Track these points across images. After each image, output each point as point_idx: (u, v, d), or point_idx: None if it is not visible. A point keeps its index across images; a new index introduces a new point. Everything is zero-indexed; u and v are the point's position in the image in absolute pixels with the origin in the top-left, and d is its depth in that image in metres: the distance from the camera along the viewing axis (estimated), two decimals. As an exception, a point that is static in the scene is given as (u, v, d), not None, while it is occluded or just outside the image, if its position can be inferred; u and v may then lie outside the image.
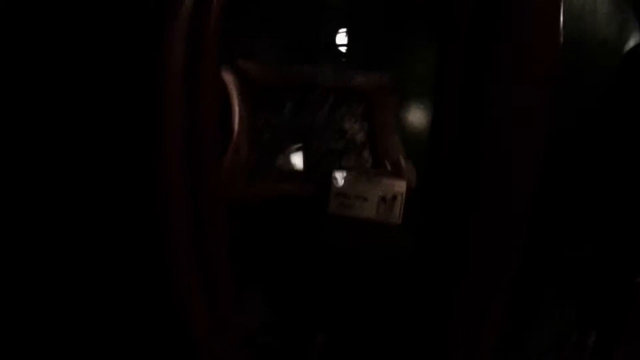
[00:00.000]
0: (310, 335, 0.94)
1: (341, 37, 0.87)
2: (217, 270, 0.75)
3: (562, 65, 0.64)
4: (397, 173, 0.81)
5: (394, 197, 0.78)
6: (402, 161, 0.84)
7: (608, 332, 0.78)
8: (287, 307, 0.96)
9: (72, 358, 0.75)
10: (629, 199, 0.78)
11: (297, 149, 0.85)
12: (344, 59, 0.88)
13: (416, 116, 0.87)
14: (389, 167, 0.83)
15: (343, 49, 0.87)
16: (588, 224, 0.79)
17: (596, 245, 0.79)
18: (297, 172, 0.84)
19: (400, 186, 0.77)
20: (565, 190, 0.80)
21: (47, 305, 0.74)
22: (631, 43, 0.80)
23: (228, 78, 0.87)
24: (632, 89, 0.79)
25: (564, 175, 0.79)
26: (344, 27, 0.86)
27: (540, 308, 0.77)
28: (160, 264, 0.71)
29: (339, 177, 0.80)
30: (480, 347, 0.73)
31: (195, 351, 0.74)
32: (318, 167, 0.83)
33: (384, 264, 0.83)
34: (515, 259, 0.73)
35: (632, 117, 0.79)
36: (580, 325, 0.78)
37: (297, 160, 0.84)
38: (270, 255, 0.86)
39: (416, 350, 0.75)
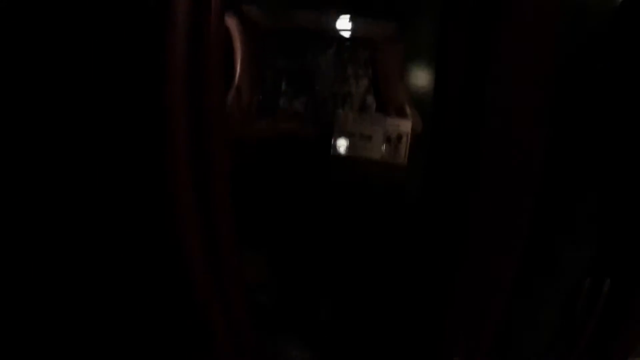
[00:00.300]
0: (310, 296, 0.91)
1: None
2: (218, 211, 0.73)
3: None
4: (401, 115, 0.79)
5: (399, 137, 0.77)
6: (407, 107, 0.82)
7: (623, 278, 0.76)
8: (287, 265, 0.93)
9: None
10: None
11: (300, 92, 0.83)
12: (349, 6, 0.87)
13: (422, 65, 0.86)
14: (393, 112, 0.81)
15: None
16: (599, 169, 0.77)
17: (608, 191, 0.78)
18: (299, 113, 0.82)
19: (406, 126, 0.76)
20: (572, 132, 0.78)
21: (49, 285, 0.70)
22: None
23: (232, 23, 0.86)
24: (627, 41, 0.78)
25: (569, 122, 0.78)
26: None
27: (554, 253, 0.75)
28: (162, 204, 0.69)
29: (343, 117, 0.78)
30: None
31: (195, 304, 0.72)
32: (320, 110, 0.82)
33: (388, 212, 0.81)
34: (525, 199, 0.72)
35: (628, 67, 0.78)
36: (595, 271, 0.76)
37: (300, 102, 0.83)
38: (271, 201, 0.84)
39: (420, 306, 0.73)
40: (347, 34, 0.87)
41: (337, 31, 0.87)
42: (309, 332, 0.89)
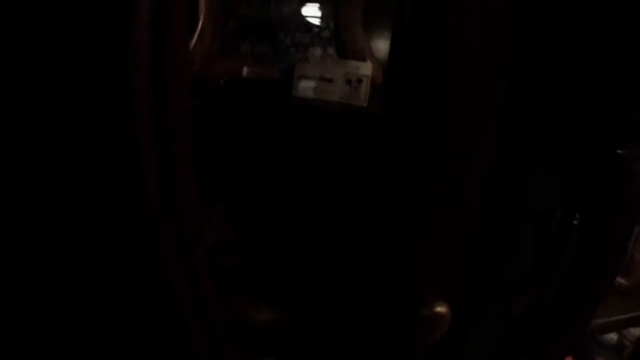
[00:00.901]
0: (272, 256, 0.91)
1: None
2: (177, 154, 0.73)
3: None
4: (361, 59, 0.81)
5: (359, 80, 0.78)
6: (367, 55, 0.84)
7: (592, 211, 0.77)
8: (248, 222, 0.92)
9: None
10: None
11: (262, 39, 0.84)
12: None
13: (382, 17, 0.89)
14: (353, 59, 0.83)
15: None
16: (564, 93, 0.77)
17: (576, 117, 0.78)
18: (261, 57, 0.83)
19: (366, 68, 0.77)
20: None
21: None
22: None
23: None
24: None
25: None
26: None
27: (522, 180, 0.75)
28: (122, 141, 0.68)
29: (304, 60, 0.79)
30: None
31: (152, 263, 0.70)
32: (283, 56, 0.83)
33: (351, 156, 0.82)
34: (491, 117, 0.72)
35: None
36: (565, 201, 0.77)
37: (262, 48, 0.84)
38: (232, 144, 0.84)
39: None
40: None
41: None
42: (273, 292, 0.89)
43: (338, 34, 0.88)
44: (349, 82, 0.78)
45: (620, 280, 1.32)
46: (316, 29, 0.88)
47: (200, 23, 0.85)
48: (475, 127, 0.68)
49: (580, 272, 0.80)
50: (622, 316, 1.37)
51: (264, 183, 0.87)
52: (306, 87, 0.79)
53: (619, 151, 0.75)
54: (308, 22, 0.88)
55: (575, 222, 0.75)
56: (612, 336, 1.54)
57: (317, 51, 0.86)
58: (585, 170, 0.74)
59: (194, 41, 0.84)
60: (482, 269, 0.74)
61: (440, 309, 0.66)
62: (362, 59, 0.84)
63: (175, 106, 0.72)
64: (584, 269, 0.79)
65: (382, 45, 0.88)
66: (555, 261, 0.77)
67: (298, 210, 0.85)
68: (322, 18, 0.88)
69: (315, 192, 0.82)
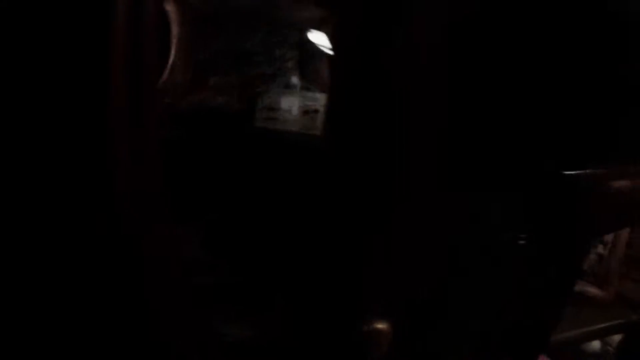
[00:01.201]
0: (245, 272, 0.97)
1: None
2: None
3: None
4: (322, 90, 0.87)
5: (316, 111, 0.84)
6: (328, 85, 0.89)
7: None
8: (224, 243, 0.99)
9: None
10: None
11: (230, 70, 0.90)
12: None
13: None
14: (314, 89, 0.89)
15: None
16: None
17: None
18: (229, 89, 0.90)
19: (323, 99, 0.83)
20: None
21: None
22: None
23: (171, 8, 0.94)
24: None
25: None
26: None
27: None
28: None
29: (266, 92, 0.85)
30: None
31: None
32: (248, 87, 0.89)
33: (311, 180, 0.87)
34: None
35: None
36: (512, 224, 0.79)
37: (230, 80, 0.90)
38: (202, 172, 0.91)
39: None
40: (277, 18, 0.95)
41: (268, 15, 0.95)
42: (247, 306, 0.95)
43: (303, 65, 0.94)
44: (305, 112, 0.84)
45: (596, 291, 1.35)
46: (281, 61, 0.93)
47: (171, 58, 0.92)
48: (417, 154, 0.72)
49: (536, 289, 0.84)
50: (602, 325, 1.40)
51: (234, 206, 0.94)
52: (267, 117, 0.85)
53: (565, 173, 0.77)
54: (274, 54, 0.94)
55: (521, 242, 0.79)
56: (595, 344, 1.56)
57: (282, 82, 0.92)
58: (536, 195, 0.77)
59: (166, 75, 0.91)
60: (436, 290, 0.79)
61: (381, 326, 0.72)
62: (323, 89, 0.90)
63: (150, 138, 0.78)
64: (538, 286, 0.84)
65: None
66: (509, 280, 0.81)
67: (266, 230, 0.91)
68: (287, 47, 0.94)
69: (277, 216, 0.88)
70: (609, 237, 1.35)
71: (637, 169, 0.91)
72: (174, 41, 0.93)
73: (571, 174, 0.78)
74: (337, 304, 0.72)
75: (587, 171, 0.81)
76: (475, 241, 0.75)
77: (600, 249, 1.34)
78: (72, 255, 0.66)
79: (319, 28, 0.96)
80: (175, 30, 0.93)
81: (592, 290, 1.32)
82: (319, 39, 0.95)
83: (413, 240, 0.70)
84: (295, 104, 0.83)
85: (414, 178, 0.70)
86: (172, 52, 0.92)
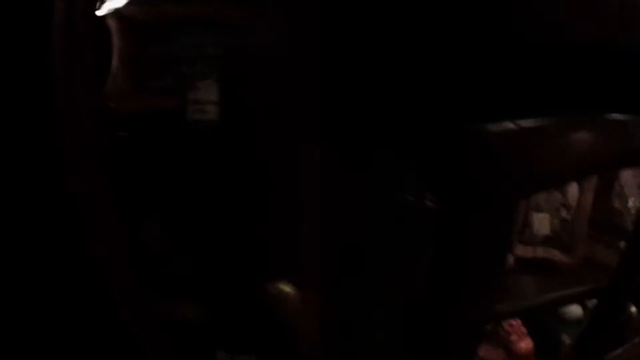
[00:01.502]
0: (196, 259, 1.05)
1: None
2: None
3: None
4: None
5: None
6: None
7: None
8: (179, 232, 1.07)
9: None
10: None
11: (167, 73, 1.00)
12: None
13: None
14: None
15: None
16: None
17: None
18: (168, 90, 0.99)
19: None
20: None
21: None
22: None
23: (111, 23, 1.04)
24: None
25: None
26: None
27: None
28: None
29: (194, 87, 0.94)
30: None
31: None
32: (181, 85, 0.98)
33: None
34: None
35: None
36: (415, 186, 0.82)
37: (168, 81, 0.99)
38: (148, 167, 1.00)
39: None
40: (206, 20, 1.03)
41: (201, 20, 1.04)
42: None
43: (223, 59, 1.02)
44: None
45: (562, 256, 1.36)
46: (213, 61, 1.02)
47: (112, 65, 1.02)
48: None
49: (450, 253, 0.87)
50: (573, 290, 1.41)
51: (182, 196, 1.03)
52: (197, 110, 0.94)
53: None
54: (206, 54, 1.03)
55: (428, 203, 0.82)
56: (577, 310, 1.55)
57: (212, 79, 1.01)
58: (433, 152, 0.80)
59: (109, 82, 1.01)
60: (346, 257, 0.85)
61: (286, 288, 0.78)
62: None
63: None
64: (452, 251, 0.86)
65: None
66: (421, 244, 0.85)
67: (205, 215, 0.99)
68: (215, 47, 1.03)
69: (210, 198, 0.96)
70: (572, 201, 1.36)
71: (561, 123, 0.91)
72: (115, 51, 1.03)
73: (467, 129, 0.79)
74: (242, 268, 0.79)
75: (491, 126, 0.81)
76: (378, 203, 0.81)
77: (564, 213, 1.35)
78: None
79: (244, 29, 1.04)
80: (115, 41, 1.03)
81: (558, 255, 1.34)
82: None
83: (310, 203, 0.76)
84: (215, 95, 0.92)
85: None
86: (113, 61, 1.02)
